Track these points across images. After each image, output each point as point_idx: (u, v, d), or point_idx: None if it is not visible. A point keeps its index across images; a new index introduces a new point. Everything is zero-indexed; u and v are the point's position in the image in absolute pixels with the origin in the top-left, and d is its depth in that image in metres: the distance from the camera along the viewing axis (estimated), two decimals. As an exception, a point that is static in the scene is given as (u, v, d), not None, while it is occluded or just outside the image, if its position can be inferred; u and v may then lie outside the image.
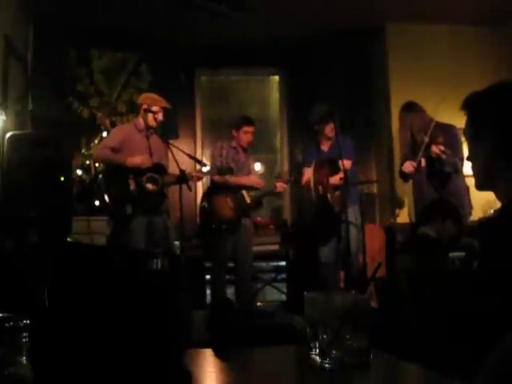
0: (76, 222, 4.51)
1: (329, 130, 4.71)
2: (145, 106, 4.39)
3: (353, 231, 4.51)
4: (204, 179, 5.25)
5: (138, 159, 4.23)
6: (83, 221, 4.69)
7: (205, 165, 4.57)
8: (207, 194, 4.79)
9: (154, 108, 4.36)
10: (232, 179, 4.65)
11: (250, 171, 4.89)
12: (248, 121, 4.84)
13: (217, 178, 4.67)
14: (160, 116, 4.38)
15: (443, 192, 4.40)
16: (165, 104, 4.42)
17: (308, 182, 4.80)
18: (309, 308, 1.05)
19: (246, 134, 4.78)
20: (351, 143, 4.72)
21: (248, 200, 4.71)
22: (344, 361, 0.99)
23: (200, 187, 5.94)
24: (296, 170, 5.48)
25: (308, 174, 4.84)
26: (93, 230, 4.63)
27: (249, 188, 4.76)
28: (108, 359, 0.85)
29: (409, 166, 4.56)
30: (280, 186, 4.90)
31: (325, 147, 4.86)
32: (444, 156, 4.35)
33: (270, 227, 5.92)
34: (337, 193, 4.59)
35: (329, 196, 4.57)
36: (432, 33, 5.84)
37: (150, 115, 4.35)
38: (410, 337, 2.46)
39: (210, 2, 5.15)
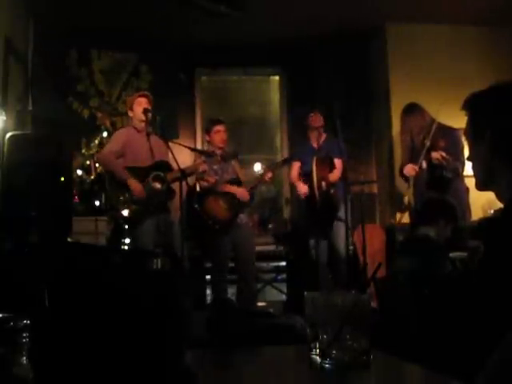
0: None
1: (314, 118, 4.91)
2: (131, 104, 4.48)
3: (342, 229, 4.61)
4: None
5: (134, 185, 4.22)
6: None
7: (210, 155, 4.56)
8: (197, 197, 4.75)
9: (137, 102, 4.44)
10: (220, 187, 4.65)
11: (234, 172, 4.83)
12: (217, 120, 4.88)
13: (203, 184, 4.64)
14: (145, 104, 4.42)
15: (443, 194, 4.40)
16: (142, 93, 4.60)
17: (297, 176, 5.00)
18: (309, 308, 1.05)
19: (218, 133, 4.77)
20: (343, 144, 4.76)
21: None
22: (344, 361, 0.99)
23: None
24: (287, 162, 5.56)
25: (296, 167, 5.06)
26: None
27: (236, 182, 4.75)
28: (108, 359, 0.85)
29: (410, 170, 4.56)
30: (267, 176, 4.84)
31: (315, 144, 4.91)
32: (445, 162, 4.34)
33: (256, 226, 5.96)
34: (333, 190, 4.75)
35: (331, 191, 4.73)
36: (432, 33, 5.83)
37: (140, 109, 4.40)
38: (410, 337, 2.46)
39: (209, 2, 5.15)
